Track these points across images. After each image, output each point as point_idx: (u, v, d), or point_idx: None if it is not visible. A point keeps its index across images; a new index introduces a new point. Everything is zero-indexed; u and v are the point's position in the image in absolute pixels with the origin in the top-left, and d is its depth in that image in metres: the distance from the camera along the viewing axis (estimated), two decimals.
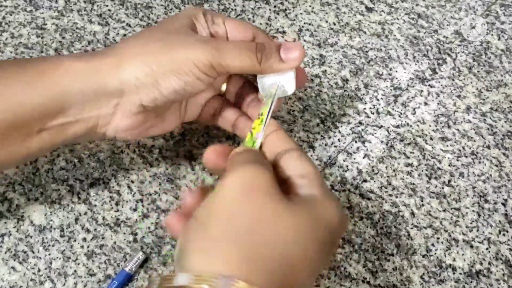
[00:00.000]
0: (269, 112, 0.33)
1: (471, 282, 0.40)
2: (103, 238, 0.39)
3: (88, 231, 0.39)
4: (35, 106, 0.31)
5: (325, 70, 0.51)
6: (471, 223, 0.43)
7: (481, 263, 0.41)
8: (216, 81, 0.36)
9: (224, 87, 0.40)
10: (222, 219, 0.26)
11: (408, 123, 0.48)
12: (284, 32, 0.54)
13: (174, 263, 0.28)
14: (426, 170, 0.45)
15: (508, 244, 0.42)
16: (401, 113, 0.49)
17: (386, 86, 0.51)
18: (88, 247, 0.38)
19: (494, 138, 0.48)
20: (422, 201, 0.44)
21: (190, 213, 0.29)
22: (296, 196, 0.29)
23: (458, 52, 0.55)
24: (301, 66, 0.42)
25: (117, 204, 0.40)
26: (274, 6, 0.56)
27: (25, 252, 0.37)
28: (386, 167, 0.45)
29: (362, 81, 0.51)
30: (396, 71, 0.52)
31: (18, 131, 0.31)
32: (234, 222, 0.26)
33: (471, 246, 0.42)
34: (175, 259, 0.28)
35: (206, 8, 0.37)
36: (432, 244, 0.41)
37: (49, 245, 0.38)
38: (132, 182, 0.41)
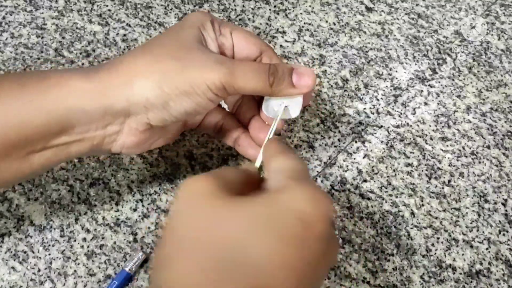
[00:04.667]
0: (270, 133, 0.34)
1: (471, 282, 0.40)
2: (103, 238, 0.39)
3: (88, 231, 0.39)
4: (38, 125, 0.31)
5: (325, 70, 0.51)
6: (471, 223, 0.43)
7: (481, 263, 0.41)
8: None
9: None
10: (173, 236, 0.24)
11: (408, 123, 0.48)
12: (284, 32, 0.54)
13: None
14: (426, 170, 0.45)
15: (508, 244, 0.42)
16: (401, 113, 0.49)
17: (386, 86, 0.51)
18: (88, 247, 0.38)
19: (494, 138, 0.48)
20: (422, 201, 0.44)
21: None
22: (259, 193, 0.26)
23: (458, 52, 0.55)
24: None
25: (117, 204, 0.40)
26: (274, 6, 0.56)
27: (25, 252, 0.37)
28: (386, 167, 0.45)
29: (362, 81, 0.51)
30: (396, 71, 0.52)
31: (20, 150, 0.31)
32: (181, 236, 0.24)
33: (471, 246, 0.42)
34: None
35: (212, 15, 0.36)
36: (432, 244, 0.41)
37: (49, 245, 0.38)
38: (132, 182, 0.41)
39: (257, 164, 0.33)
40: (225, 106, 0.41)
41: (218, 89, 0.32)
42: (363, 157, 0.45)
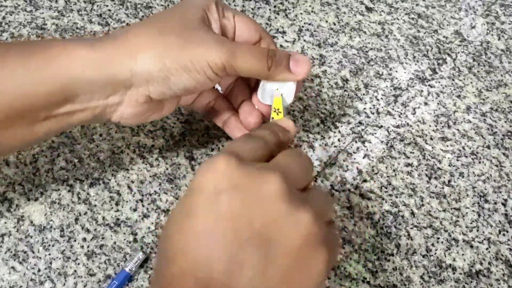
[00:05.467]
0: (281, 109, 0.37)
1: (471, 282, 0.40)
2: (103, 238, 0.39)
3: (88, 231, 0.39)
4: (43, 94, 0.31)
5: (325, 70, 0.51)
6: (471, 223, 0.43)
7: (481, 263, 0.41)
8: None
9: None
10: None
11: (408, 123, 0.48)
12: (284, 32, 0.54)
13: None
14: (426, 170, 0.45)
15: (508, 244, 0.42)
16: (401, 113, 0.49)
17: (386, 86, 0.51)
18: (88, 247, 0.38)
19: (494, 138, 0.48)
20: (422, 201, 0.44)
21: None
22: None
23: (458, 52, 0.55)
24: None
25: (117, 204, 0.40)
26: (274, 6, 0.56)
27: (25, 252, 0.37)
28: (386, 167, 0.45)
29: (362, 81, 0.51)
30: (396, 71, 0.52)
31: (25, 118, 0.31)
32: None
33: (471, 246, 0.42)
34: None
35: None
36: (432, 244, 0.41)
37: (49, 245, 0.38)
38: (132, 182, 0.41)
39: None
40: (218, 87, 0.42)
41: (218, 68, 0.33)
42: (363, 157, 0.45)
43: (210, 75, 0.33)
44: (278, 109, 0.36)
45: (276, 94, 0.36)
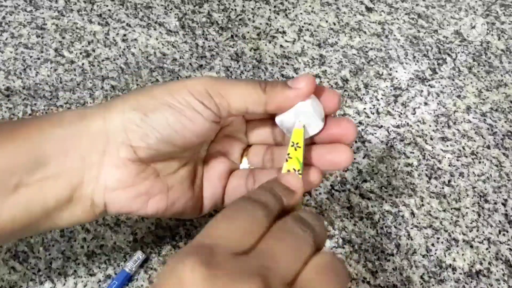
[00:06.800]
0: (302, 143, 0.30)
1: (471, 282, 0.40)
2: (103, 238, 0.39)
3: (88, 231, 0.39)
4: (9, 159, 0.27)
5: (325, 70, 0.51)
6: (471, 223, 0.43)
7: (481, 263, 0.41)
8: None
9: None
10: None
11: (408, 123, 0.48)
12: (284, 32, 0.54)
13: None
14: (426, 170, 0.45)
15: (508, 244, 0.42)
16: (401, 113, 0.49)
17: (386, 86, 0.51)
18: (88, 247, 0.38)
19: (494, 138, 0.48)
20: (422, 201, 0.44)
21: None
22: None
23: (458, 52, 0.55)
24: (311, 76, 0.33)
25: None
26: (274, 6, 0.56)
27: (25, 252, 0.37)
28: (386, 167, 0.45)
29: (362, 81, 0.51)
30: (396, 71, 0.52)
31: None
32: None
33: (471, 246, 0.42)
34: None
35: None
36: (432, 244, 0.41)
37: (49, 245, 0.38)
38: None
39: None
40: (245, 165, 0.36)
41: (201, 95, 0.28)
42: (363, 157, 0.45)
43: (194, 104, 0.28)
44: (297, 143, 0.30)
45: (297, 125, 0.30)
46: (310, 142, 0.32)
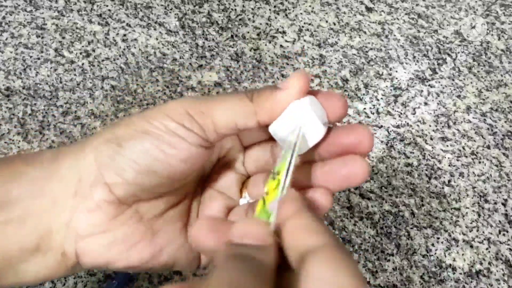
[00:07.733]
0: (288, 170, 0.23)
1: (471, 282, 0.40)
2: None
3: None
4: None
5: (325, 70, 0.51)
6: (471, 223, 0.43)
7: (481, 263, 0.41)
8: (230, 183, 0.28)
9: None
10: None
11: (408, 123, 0.48)
12: (284, 32, 0.54)
13: None
14: (426, 170, 0.45)
15: (508, 244, 0.42)
16: (401, 113, 0.49)
17: (386, 86, 0.51)
18: None
19: (494, 138, 0.48)
20: (422, 201, 0.44)
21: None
22: None
23: (458, 52, 0.55)
24: (305, 71, 0.28)
25: None
26: (274, 6, 0.56)
27: None
28: (386, 167, 0.45)
29: (362, 81, 0.51)
30: (396, 71, 0.52)
31: None
32: None
33: (471, 246, 0.42)
34: None
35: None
36: (432, 244, 0.41)
37: None
38: None
39: (272, 219, 0.22)
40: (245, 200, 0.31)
41: (180, 116, 0.25)
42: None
43: (173, 128, 0.24)
44: (277, 173, 0.24)
45: (292, 136, 0.25)
46: (312, 158, 0.27)
